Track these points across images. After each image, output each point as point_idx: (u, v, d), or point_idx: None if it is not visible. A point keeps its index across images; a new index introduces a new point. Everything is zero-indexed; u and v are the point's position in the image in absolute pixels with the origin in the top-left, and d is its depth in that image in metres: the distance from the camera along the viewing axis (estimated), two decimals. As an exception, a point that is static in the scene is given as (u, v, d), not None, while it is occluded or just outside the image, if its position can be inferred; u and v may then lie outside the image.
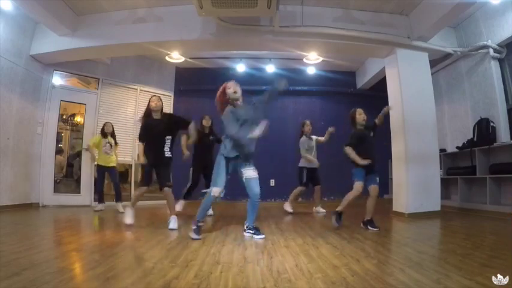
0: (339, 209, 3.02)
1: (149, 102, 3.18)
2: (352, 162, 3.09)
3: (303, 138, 4.55)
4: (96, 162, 4.78)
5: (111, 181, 4.79)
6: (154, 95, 3.31)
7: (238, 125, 2.61)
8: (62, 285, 1.44)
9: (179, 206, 4.15)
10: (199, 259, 1.93)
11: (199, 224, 2.62)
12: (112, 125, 4.85)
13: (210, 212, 4.23)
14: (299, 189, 4.49)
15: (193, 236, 2.54)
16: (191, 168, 4.29)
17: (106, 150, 4.67)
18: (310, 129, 4.60)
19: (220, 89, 2.79)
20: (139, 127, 3.24)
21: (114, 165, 4.77)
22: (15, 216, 3.84)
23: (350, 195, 3.02)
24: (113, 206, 4.70)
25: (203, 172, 4.28)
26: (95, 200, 5.31)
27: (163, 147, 3.10)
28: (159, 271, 1.67)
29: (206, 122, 4.38)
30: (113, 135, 4.83)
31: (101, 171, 4.69)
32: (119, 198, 4.65)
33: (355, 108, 3.27)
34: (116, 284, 1.46)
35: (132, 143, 5.72)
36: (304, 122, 4.64)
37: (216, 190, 2.60)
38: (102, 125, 4.86)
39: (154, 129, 3.11)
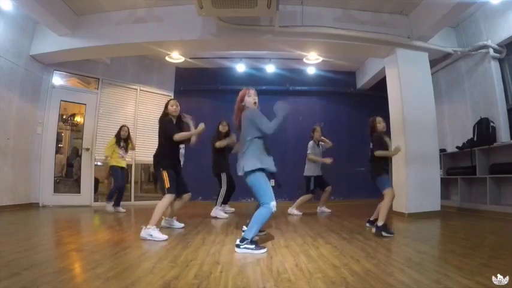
0: (380, 223, 2.85)
1: (167, 105, 3.04)
2: (376, 173, 3.05)
3: (311, 143, 4.57)
4: (110, 163, 4.63)
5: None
6: (172, 99, 3.16)
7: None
8: (62, 285, 1.44)
9: (223, 214, 4.14)
10: (199, 259, 1.93)
11: (256, 237, 2.33)
12: (128, 129, 4.77)
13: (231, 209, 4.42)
14: (307, 196, 4.48)
15: (261, 251, 2.17)
16: (223, 174, 4.23)
17: (122, 154, 4.63)
18: (320, 135, 4.60)
19: (240, 96, 2.58)
20: (165, 121, 2.96)
21: (125, 166, 4.76)
22: (15, 216, 3.84)
23: (387, 204, 2.93)
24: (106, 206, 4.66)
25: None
26: (95, 200, 5.31)
27: (179, 153, 3.06)
28: (159, 271, 1.67)
29: (223, 128, 4.37)
30: (127, 140, 4.72)
31: (118, 171, 4.58)
32: (119, 201, 4.62)
33: (374, 116, 3.21)
34: (116, 284, 1.45)
35: (132, 143, 5.71)
36: (315, 128, 4.65)
37: (274, 204, 2.30)
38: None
39: (174, 132, 2.95)
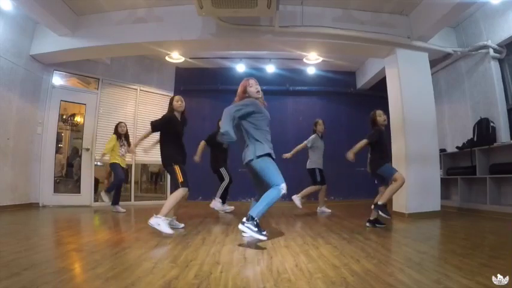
0: (381, 202, 2.96)
1: (172, 101, 3.07)
2: (376, 165, 3.10)
3: (314, 135, 4.60)
4: (111, 161, 4.59)
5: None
6: (177, 95, 3.19)
7: (234, 123, 2.40)
8: (62, 285, 1.44)
9: (220, 206, 4.22)
10: (199, 259, 1.93)
11: (258, 221, 2.31)
12: (126, 125, 4.74)
13: (231, 207, 4.42)
14: (314, 187, 4.50)
15: (261, 236, 2.24)
16: (222, 168, 4.40)
17: (122, 152, 4.59)
18: (323, 128, 4.67)
19: (241, 87, 2.58)
20: (163, 116, 3.02)
21: (125, 166, 4.78)
22: (15, 216, 3.84)
23: (395, 187, 2.99)
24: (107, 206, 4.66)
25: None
26: (95, 200, 5.30)
27: (184, 148, 3.08)
28: (159, 271, 1.67)
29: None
30: (127, 136, 4.72)
31: (117, 165, 4.54)
32: (117, 201, 4.58)
33: (375, 110, 3.27)
34: (116, 284, 1.45)
35: (132, 142, 5.71)
36: (317, 121, 4.71)
37: (284, 186, 2.35)
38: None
39: (179, 128, 3.02)
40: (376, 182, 3.26)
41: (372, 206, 3.10)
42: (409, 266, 1.76)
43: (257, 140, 2.44)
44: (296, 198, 4.42)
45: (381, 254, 2.10)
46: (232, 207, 4.66)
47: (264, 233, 2.29)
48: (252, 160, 2.39)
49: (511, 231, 3.03)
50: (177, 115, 3.07)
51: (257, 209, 2.30)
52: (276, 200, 2.35)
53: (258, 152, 2.39)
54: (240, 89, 2.58)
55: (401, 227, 3.38)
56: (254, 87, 2.55)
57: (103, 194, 4.50)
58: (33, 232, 2.93)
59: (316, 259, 1.94)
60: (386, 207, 2.95)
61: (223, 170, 4.36)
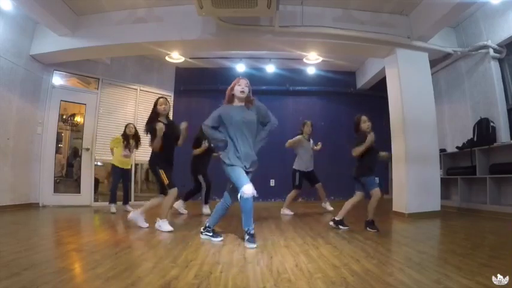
0: (368, 219, 3.00)
1: (156, 104, 2.99)
2: (361, 172, 3.05)
3: (299, 136, 4.53)
4: (112, 163, 4.61)
5: (123, 183, 4.66)
6: (161, 97, 3.11)
7: (217, 124, 2.53)
8: (62, 285, 1.44)
9: (208, 210, 4.21)
10: (199, 259, 1.93)
11: (252, 231, 2.37)
12: (134, 126, 4.66)
13: (208, 211, 4.25)
14: (293, 192, 4.50)
15: (252, 245, 2.28)
16: (200, 176, 4.33)
17: (126, 153, 4.53)
18: (310, 130, 4.61)
19: (231, 85, 2.60)
20: (151, 128, 2.95)
21: (129, 167, 4.79)
22: (15, 216, 3.84)
23: (373, 203, 2.98)
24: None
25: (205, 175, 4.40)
26: (95, 200, 5.30)
27: (173, 153, 3.08)
28: (159, 271, 1.67)
29: None
30: (136, 137, 4.59)
31: (117, 171, 4.56)
32: (127, 200, 4.66)
33: (360, 114, 3.18)
34: (116, 284, 1.45)
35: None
36: (305, 122, 4.65)
37: (247, 187, 2.29)
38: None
39: (166, 134, 2.94)
40: (355, 186, 3.16)
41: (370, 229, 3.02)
42: (409, 266, 1.76)
43: (228, 147, 2.49)
44: (284, 210, 4.42)
45: (381, 254, 2.10)
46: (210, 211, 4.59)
47: (256, 244, 2.33)
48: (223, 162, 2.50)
49: (511, 231, 3.04)
50: (163, 120, 3.00)
51: (244, 221, 2.39)
52: (249, 204, 2.34)
53: (224, 159, 2.47)
54: (229, 86, 2.61)
55: (401, 227, 3.38)
56: (240, 87, 2.53)
57: (111, 207, 4.38)
58: (33, 232, 2.93)
59: (316, 259, 1.94)
60: (374, 222, 2.97)
61: (200, 178, 4.30)
